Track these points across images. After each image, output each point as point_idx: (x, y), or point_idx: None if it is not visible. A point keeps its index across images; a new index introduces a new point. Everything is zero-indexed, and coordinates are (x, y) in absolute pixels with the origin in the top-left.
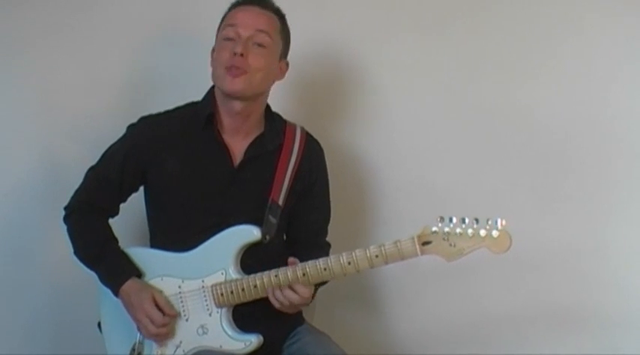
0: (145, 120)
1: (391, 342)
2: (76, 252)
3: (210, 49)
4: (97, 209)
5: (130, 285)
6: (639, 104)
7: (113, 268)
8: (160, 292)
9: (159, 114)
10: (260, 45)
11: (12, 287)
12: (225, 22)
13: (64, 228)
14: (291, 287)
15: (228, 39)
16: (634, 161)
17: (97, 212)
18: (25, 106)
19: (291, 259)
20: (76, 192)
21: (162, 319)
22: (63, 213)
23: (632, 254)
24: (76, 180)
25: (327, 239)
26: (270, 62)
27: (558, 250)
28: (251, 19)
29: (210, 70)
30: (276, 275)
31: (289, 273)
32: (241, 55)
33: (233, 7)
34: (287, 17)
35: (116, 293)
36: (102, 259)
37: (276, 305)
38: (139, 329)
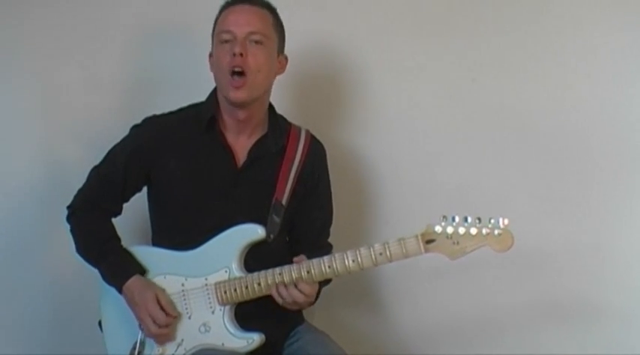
0: (149, 120)
1: (391, 341)
2: (78, 250)
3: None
4: (100, 208)
5: (133, 283)
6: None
7: (117, 266)
8: (163, 291)
9: (163, 115)
10: (257, 42)
11: (12, 286)
12: (218, 24)
13: (65, 227)
14: (295, 286)
15: (225, 41)
16: (635, 161)
17: (100, 211)
18: (26, 106)
19: (296, 258)
20: (79, 191)
21: (164, 319)
22: (64, 212)
23: (634, 252)
24: (76, 180)
25: (330, 239)
26: (269, 58)
27: (561, 249)
28: (244, 18)
29: (210, 74)
30: (280, 274)
31: (293, 271)
32: (241, 54)
33: (224, 8)
34: (289, 18)
35: (120, 290)
36: (105, 257)
37: (279, 301)
38: (140, 327)
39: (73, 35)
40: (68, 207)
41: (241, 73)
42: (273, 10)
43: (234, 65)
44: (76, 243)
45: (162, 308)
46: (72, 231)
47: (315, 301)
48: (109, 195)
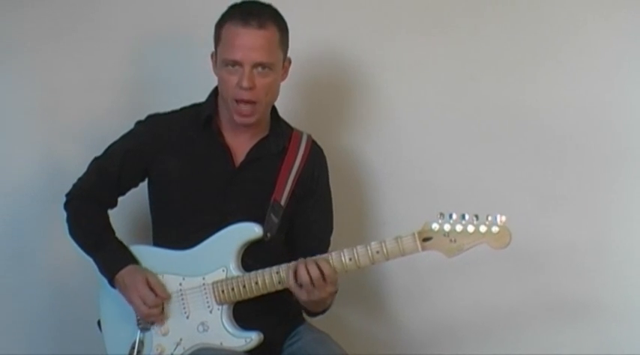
0: (151, 118)
1: (391, 341)
2: (73, 236)
3: (210, 53)
4: (96, 199)
5: (126, 271)
6: (639, 104)
7: (111, 257)
8: (154, 274)
9: (165, 114)
10: (264, 67)
11: (12, 286)
12: (223, 42)
13: (64, 226)
14: (315, 263)
15: (232, 64)
16: (633, 159)
17: (96, 202)
18: (26, 106)
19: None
20: (78, 180)
21: (154, 299)
22: (63, 206)
23: (631, 250)
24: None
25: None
26: (276, 78)
27: (559, 247)
28: (251, 46)
29: (211, 75)
30: (277, 272)
31: (291, 270)
32: (250, 88)
33: (229, 20)
34: (289, 20)
35: (112, 280)
36: (100, 247)
37: (292, 282)
38: (139, 326)
39: (73, 35)
40: (66, 195)
41: (249, 101)
42: (279, 24)
43: (242, 98)
44: (71, 229)
45: (151, 290)
46: (68, 218)
47: (333, 297)
48: (105, 187)
